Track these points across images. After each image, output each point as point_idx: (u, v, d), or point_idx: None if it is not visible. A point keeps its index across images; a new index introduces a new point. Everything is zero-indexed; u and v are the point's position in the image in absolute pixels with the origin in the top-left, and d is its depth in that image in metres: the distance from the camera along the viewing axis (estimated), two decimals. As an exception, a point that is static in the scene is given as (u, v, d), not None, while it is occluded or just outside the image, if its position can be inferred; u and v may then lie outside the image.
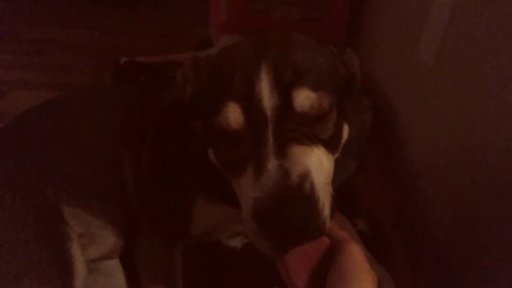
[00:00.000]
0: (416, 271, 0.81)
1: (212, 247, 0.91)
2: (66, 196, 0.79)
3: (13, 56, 1.86)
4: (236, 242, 0.92)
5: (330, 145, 0.54)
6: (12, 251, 0.68)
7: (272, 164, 0.46)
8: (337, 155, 0.58)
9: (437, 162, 0.86)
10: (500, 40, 0.67)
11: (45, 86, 1.62)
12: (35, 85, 1.64)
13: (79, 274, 0.72)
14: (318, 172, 0.49)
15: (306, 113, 0.50)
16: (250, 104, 0.49)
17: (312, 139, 0.51)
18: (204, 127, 0.59)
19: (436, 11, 0.87)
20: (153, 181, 0.78)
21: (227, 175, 0.57)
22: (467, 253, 0.74)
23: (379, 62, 1.25)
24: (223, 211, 0.72)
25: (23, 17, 2.28)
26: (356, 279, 0.46)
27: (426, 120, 0.92)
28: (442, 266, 0.79)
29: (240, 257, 0.89)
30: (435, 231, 0.84)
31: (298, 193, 0.45)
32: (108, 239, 0.84)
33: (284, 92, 0.49)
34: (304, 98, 0.50)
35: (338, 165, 0.58)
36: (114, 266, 0.87)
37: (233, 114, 0.50)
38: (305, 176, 0.46)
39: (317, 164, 0.50)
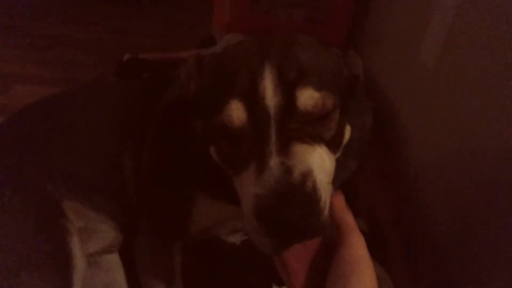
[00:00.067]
0: (415, 271, 0.81)
1: (211, 243, 0.91)
2: (66, 191, 0.79)
3: (17, 51, 1.87)
4: (235, 238, 0.92)
5: (332, 144, 0.54)
6: (11, 245, 0.68)
7: (274, 162, 0.46)
8: (338, 154, 0.58)
9: (437, 162, 0.86)
10: (502, 44, 0.68)
11: (48, 81, 1.63)
12: (39, 80, 1.64)
13: (78, 268, 0.72)
14: (320, 171, 0.49)
15: (309, 112, 0.50)
16: (253, 102, 0.49)
17: (314, 138, 0.51)
18: (206, 126, 0.59)
19: (438, 15, 0.88)
20: (153, 180, 0.78)
21: (228, 173, 0.57)
22: (466, 253, 0.74)
23: (381, 64, 1.25)
24: (224, 209, 0.72)
25: (28, 12, 2.29)
26: (358, 275, 0.46)
27: (426, 121, 0.92)
28: (441, 266, 0.80)
29: (239, 254, 0.89)
30: (434, 231, 0.84)
31: (300, 191, 0.45)
32: (107, 233, 0.85)
33: (287, 91, 0.49)
34: (308, 97, 0.50)
35: (339, 165, 0.58)
36: (113, 260, 0.87)
37: (236, 112, 0.50)
38: (307, 174, 0.46)
39: (319, 163, 0.50)
